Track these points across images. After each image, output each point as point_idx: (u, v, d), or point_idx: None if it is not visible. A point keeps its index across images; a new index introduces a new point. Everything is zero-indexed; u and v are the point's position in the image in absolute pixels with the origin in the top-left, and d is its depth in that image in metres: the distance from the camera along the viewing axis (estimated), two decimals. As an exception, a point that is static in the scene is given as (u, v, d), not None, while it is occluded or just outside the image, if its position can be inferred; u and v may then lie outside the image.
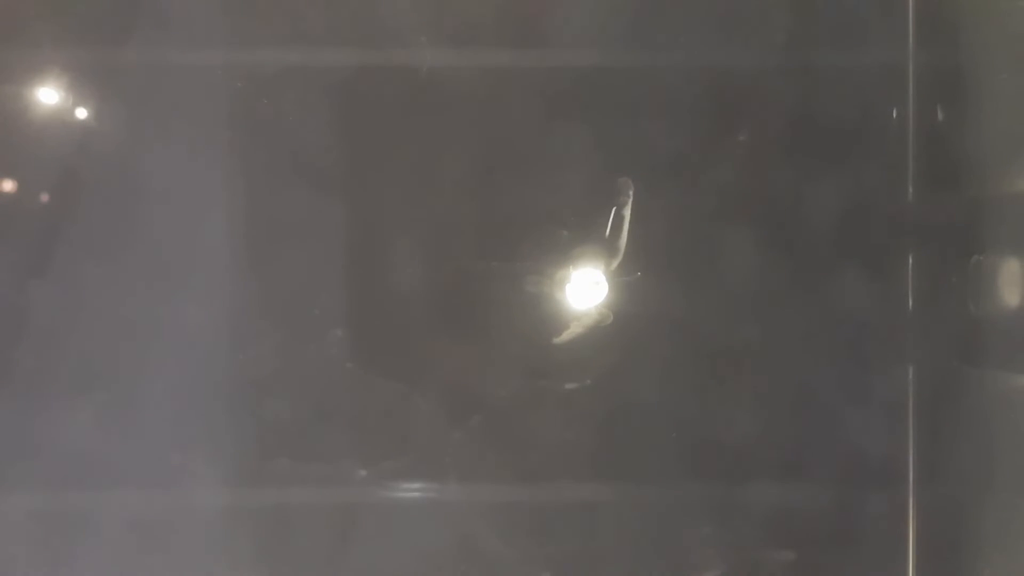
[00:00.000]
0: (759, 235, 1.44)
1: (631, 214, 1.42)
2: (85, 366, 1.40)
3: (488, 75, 1.44)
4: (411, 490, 1.43)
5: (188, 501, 1.41)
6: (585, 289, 1.43)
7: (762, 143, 1.45)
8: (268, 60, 1.42)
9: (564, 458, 1.45)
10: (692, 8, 1.45)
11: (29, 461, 1.39)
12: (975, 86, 1.43)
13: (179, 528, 1.41)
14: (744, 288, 1.44)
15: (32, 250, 1.40)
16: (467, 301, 1.44)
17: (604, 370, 1.44)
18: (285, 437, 1.41)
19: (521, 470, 1.44)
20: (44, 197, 1.40)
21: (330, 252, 1.43)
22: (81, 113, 1.41)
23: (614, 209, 1.41)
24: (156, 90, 1.41)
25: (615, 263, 1.42)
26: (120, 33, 1.41)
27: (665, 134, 1.45)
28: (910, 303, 1.46)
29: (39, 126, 1.41)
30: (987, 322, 1.41)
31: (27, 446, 1.39)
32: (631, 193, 1.42)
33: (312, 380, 1.42)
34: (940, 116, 1.45)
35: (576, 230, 1.43)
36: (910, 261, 1.46)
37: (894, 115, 1.46)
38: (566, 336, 1.43)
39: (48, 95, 1.41)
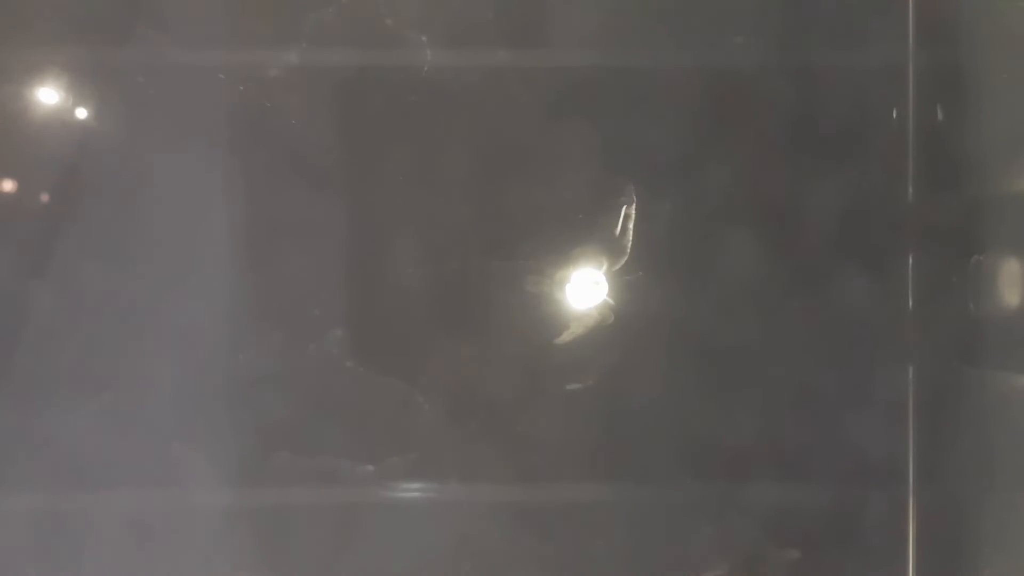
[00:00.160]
0: (759, 235, 1.44)
1: (633, 214, 1.42)
2: (85, 366, 1.40)
3: (488, 75, 1.44)
4: (411, 490, 1.43)
5: (188, 501, 1.41)
6: (585, 289, 1.43)
7: (762, 143, 1.45)
8: (268, 60, 1.42)
9: (564, 458, 1.45)
10: (692, 8, 1.45)
11: (29, 461, 1.39)
12: (975, 86, 1.43)
13: (179, 528, 1.41)
14: (744, 288, 1.45)
15: (32, 250, 1.40)
16: (467, 301, 1.44)
17: (604, 370, 1.44)
18: (285, 437, 1.41)
19: (521, 470, 1.44)
20: (44, 197, 1.40)
21: (330, 252, 1.43)
22: (81, 113, 1.41)
23: (624, 208, 1.41)
24: (156, 90, 1.41)
25: (621, 262, 1.42)
26: (120, 33, 1.41)
27: (665, 134, 1.45)
28: (910, 303, 1.46)
29: (39, 126, 1.41)
30: (987, 322, 1.41)
31: (27, 446, 1.39)
32: (634, 194, 1.42)
33: (312, 380, 1.42)
34: (940, 116, 1.45)
35: (577, 230, 1.43)
36: (910, 261, 1.46)
37: (894, 115, 1.46)
38: (566, 336, 1.43)
39: (48, 95, 1.41)
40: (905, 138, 1.46)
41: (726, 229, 1.44)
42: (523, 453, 1.44)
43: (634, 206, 1.42)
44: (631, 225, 1.42)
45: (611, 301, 1.43)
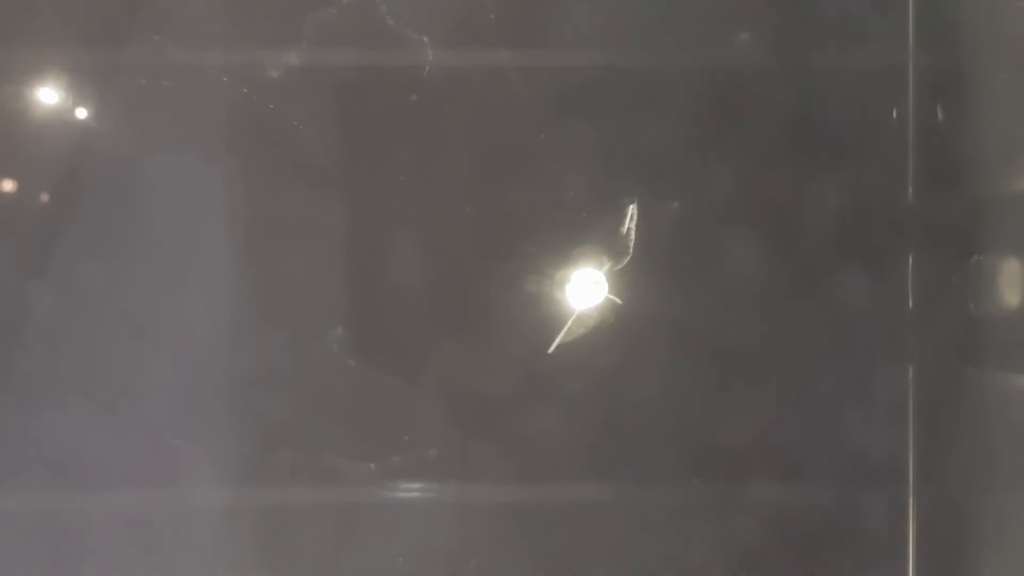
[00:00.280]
0: (759, 235, 1.44)
1: (636, 213, 1.42)
2: (85, 366, 1.40)
3: (489, 75, 1.44)
4: (411, 490, 1.43)
5: (188, 501, 1.41)
6: (585, 289, 1.43)
7: (762, 143, 1.45)
8: (268, 60, 1.42)
9: (564, 458, 1.45)
10: (693, 8, 1.45)
11: (29, 461, 1.39)
12: (975, 86, 1.43)
13: (179, 528, 1.41)
14: (744, 288, 1.45)
15: (32, 250, 1.40)
16: (467, 301, 1.44)
17: (604, 370, 1.44)
18: (285, 436, 1.41)
19: (521, 470, 1.44)
20: (44, 197, 1.40)
21: (330, 251, 1.43)
22: (81, 113, 1.41)
23: (631, 207, 1.41)
24: (156, 90, 1.41)
25: (624, 262, 1.42)
26: (120, 33, 1.41)
27: (665, 134, 1.45)
28: (910, 303, 1.46)
29: (39, 126, 1.41)
30: (987, 322, 1.41)
31: (27, 446, 1.39)
32: (635, 195, 1.42)
33: (312, 379, 1.42)
34: (940, 116, 1.45)
35: (577, 230, 1.43)
36: (910, 261, 1.46)
37: (894, 115, 1.46)
38: (567, 336, 1.43)
39: (48, 95, 1.41)
40: (905, 138, 1.46)
41: (726, 229, 1.44)
42: (523, 453, 1.44)
43: (634, 206, 1.42)
44: (633, 225, 1.42)
45: (611, 301, 1.43)
